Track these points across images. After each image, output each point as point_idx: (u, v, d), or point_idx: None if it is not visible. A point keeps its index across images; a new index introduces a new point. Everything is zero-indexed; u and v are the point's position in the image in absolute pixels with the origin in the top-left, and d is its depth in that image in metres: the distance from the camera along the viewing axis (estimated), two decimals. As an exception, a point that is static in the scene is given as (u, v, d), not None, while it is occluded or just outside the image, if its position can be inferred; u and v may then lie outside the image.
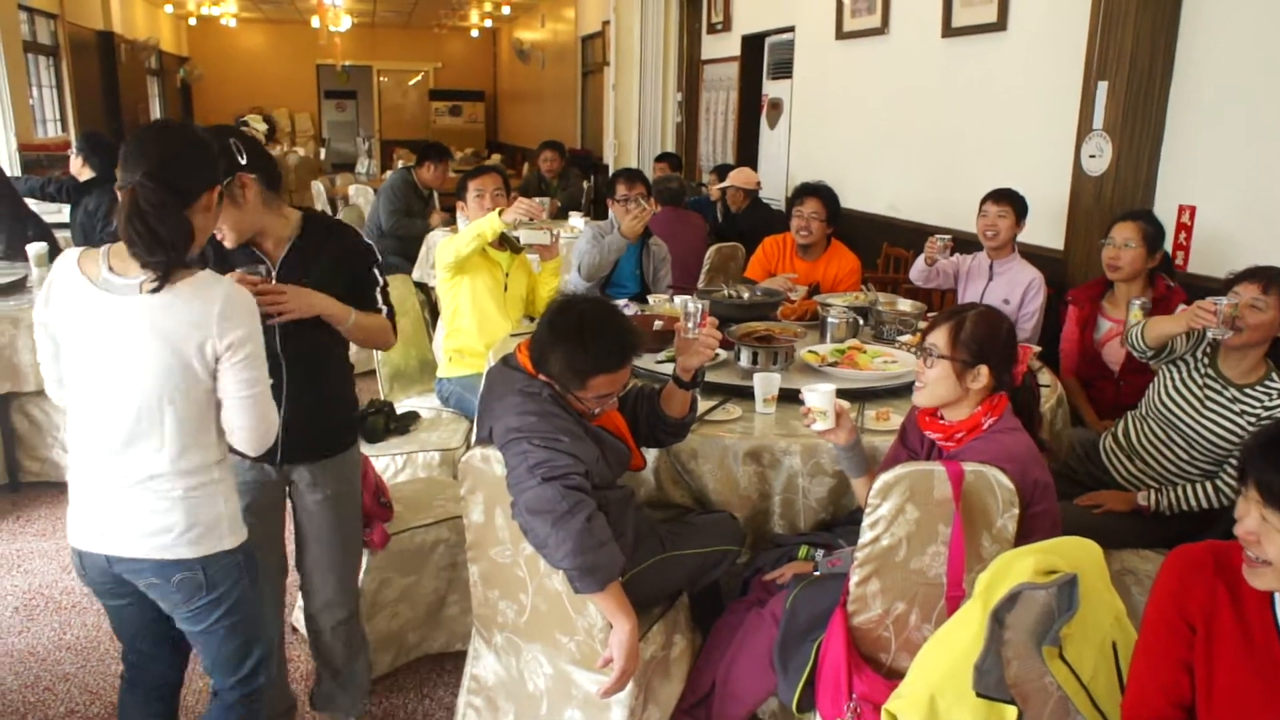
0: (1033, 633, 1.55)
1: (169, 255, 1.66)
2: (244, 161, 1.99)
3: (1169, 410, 2.73)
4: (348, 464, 2.29)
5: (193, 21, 16.71)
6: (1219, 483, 2.60)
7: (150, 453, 1.75)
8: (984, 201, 3.79)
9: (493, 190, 3.79)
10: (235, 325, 1.72)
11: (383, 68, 19.02)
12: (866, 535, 1.99)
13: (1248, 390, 2.60)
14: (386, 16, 17.06)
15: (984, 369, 2.07)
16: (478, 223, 3.42)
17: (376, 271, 2.22)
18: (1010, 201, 3.73)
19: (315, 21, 14.08)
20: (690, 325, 2.38)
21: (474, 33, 17.05)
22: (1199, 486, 2.62)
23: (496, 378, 2.18)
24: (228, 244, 2.06)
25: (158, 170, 1.67)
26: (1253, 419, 2.56)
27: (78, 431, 1.79)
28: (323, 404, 2.20)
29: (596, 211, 7.79)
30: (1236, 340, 2.53)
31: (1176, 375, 2.76)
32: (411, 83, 19.35)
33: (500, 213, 3.34)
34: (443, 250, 3.51)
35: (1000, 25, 4.47)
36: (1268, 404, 2.55)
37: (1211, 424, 2.63)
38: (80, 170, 4.47)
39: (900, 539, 1.98)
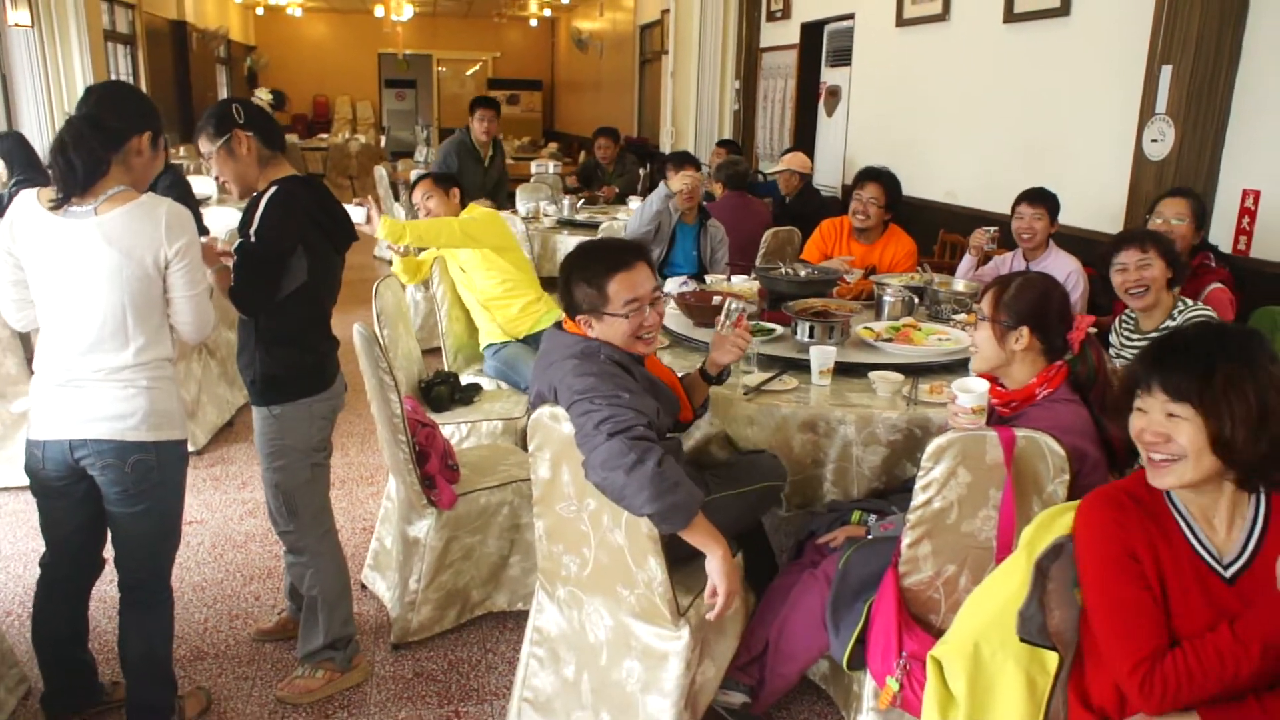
0: (1073, 583, 1.60)
1: (75, 182, 1.99)
2: (241, 122, 2.31)
3: None
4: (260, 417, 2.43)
5: (260, 11, 17.13)
6: None
7: (116, 349, 2.08)
8: (1018, 203, 3.76)
9: (422, 195, 4.00)
10: (179, 235, 2.07)
11: (442, 57, 19.28)
12: (919, 497, 2.05)
13: (1151, 336, 2.82)
14: (447, 6, 17.30)
15: (1025, 330, 2.14)
16: None
17: (250, 236, 2.27)
18: (1044, 202, 3.71)
19: (379, 11, 14.35)
20: (727, 323, 2.46)
21: (533, 22, 17.21)
22: None
23: (551, 343, 2.28)
24: (235, 195, 2.38)
25: (90, 112, 2.05)
26: None
27: (48, 339, 2.11)
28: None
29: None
30: (1139, 303, 2.85)
31: (1116, 346, 2.99)
32: (469, 72, 19.60)
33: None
34: None
35: (1063, 10, 4.47)
36: None
37: None
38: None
39: (952, 502, 2.04)
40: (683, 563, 2.23)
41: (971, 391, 2.12)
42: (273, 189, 2.28)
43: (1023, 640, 1.57)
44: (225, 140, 2.30)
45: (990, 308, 2.19)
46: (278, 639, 2.82)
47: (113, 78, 9.72)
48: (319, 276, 2.34)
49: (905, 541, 2.10)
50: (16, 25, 7.04)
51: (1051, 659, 1.58)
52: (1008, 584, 1.63)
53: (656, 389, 2.25)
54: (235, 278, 2.27)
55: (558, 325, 2.30)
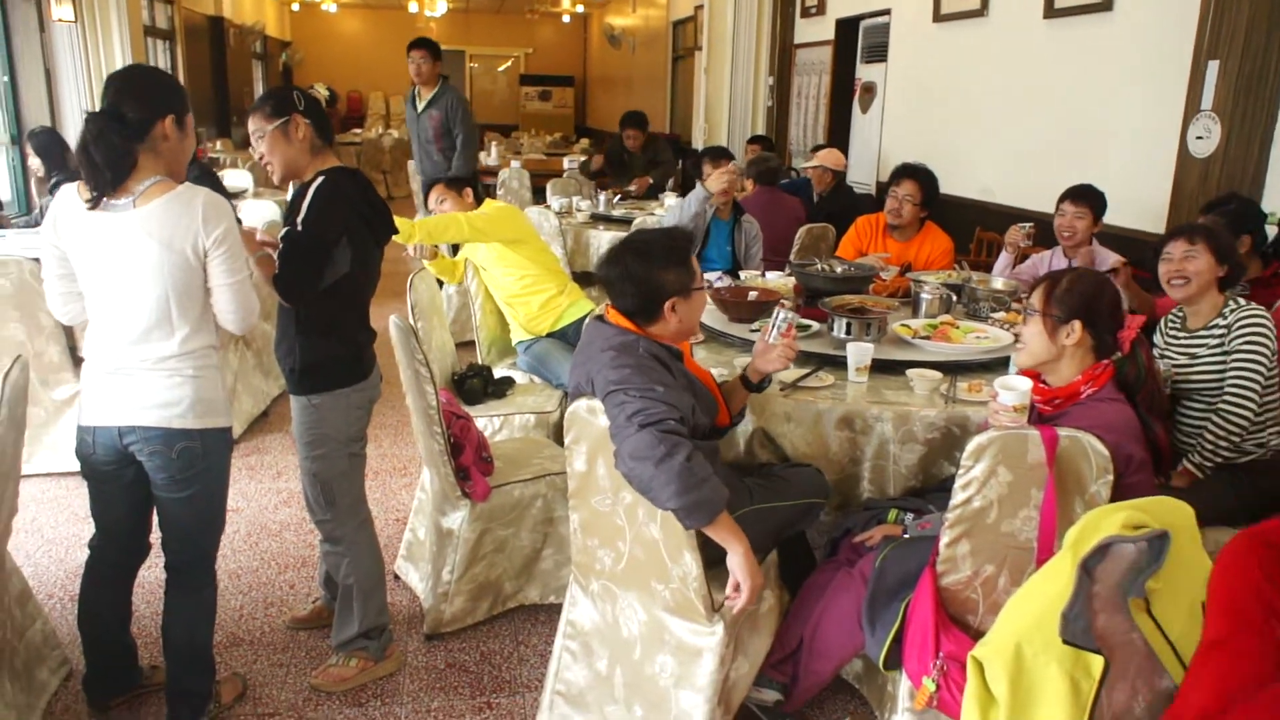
0: (1120, 585, 1.58)
1: (104, 178, 2.00)
2: (301, 107, 2.32)
3: (1174, 379, 2.87)
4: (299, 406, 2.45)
5: (295, 7, 17.26)
6: (1219, 417, 2.64)
7: (162, 339, 2.10)
8: (1062, 200, 3.71)
9: (436, 199, 4.00)
10: (217, 223, 2.07)
11: (475, 53, 19.34)
12: (958, 496, 2.03)
13: (1198, 334, 2.77)
14: (480, 2, 17.36)
15: (1077, 324, 2.11)
16: None
17: (292, 229, 2.27)
18: (1089, 201, 3.64)
19: (413, 7, 14.43)
20: (774, 332, 2.43)
21: (565, 18, 17.23)
22: (1208, 430, 2.66)
23: (592, 333, 2.28)
24: (275, 178, 2.38)
25: (109, 106, 2.03)
26: (1206, 358, 2.72)
27: (97, 330, 2.14)
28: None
29: (686, 193, 7.81)
30: (1178, 294, 2.78)
31: (1160, 345, 2.92)
32: (501, 68, 19.64)
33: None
34: None
35: (1106, 5, 4.40)
36: (1210, 344, 2.72)
37: (1182, 371, 2.77)
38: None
39: (992, 501, 2.02)
40: (718, 559, 2.22)
41: (1014, 389, 2.09)
42: (320, 179, 2.29)
43: (1066, 642, 1.55)
44: (283, 122, 2.30)
45: (1041, 301, 2.17)
46: (312, 627, 2.85)
47: (152, 72, 9.83)
48: (360, 268, 2.35)
49: (943, 541, 2.08)
50: (60, 20, 7.14)
51: (1096, 662, 1.56)
52: (1052, 585, 1.61)
53: (695, 387, 2.24)
54: (280, 265, 2.28)
55: (600, 317, 2.29)
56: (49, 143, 4.95)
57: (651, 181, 7.10)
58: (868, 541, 2.37)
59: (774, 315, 2.44)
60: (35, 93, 7.29)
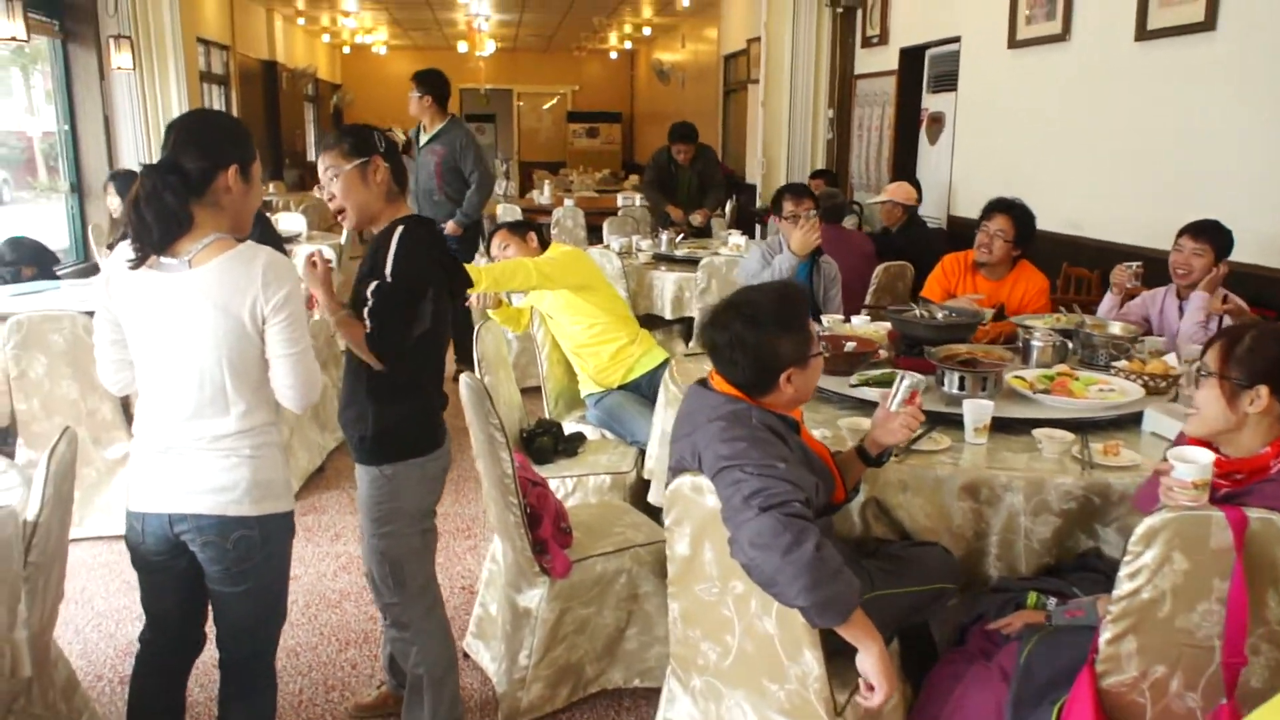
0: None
1: (150, 239, 1.81)
2: (382, 149, 2.18)
3: None
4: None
5: (346, 50, 17.50)
6: None
7: (217, 415, 1.88)
8: (1181, 234, 3.42)
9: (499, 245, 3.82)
10: (279, 287, 1.85)
11: (522, 90, 19.44)
12: (1124, 586, 1.75)
13: None
14: (529, 40, 17.44)
15: (1264, 390, 1.83)
16: None
17: (382, 281, 2.09)
18: (1210, 238, 3.34)
19: (461, 47, 14.51)
20: (897, 399, 2.14)
21: (613, 54, 17.24)
22: None
23: (695, 402, 2.05)
24: (348, 224, 2.19)
25: (168, 158, 1.86)
26: None
27: (147, 404, 1.94)
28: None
29: (743, 231, 7.59)
30: None
31: None
32: (547, 106, 19.71)
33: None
34: None
35: (1208, 25, 4.10)
36: None
37: None
38: None
39: (1164, 592, 1.74)
40: (836, 650, 1.95)
41: (1193, 462, 1.81)
42: (402, 227, 2.10)
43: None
44: (362, 163, 2.13)
45: (1218, 363, 1.88)
46: (378, 716, 2.62)
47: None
48: (439, 322, 2.15)
49: (1105, 636, 1.80)
50: (119, 69, 7.17)
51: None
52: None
53: (812, 462, 1.99)
54: (374, 321, 2.06)
55: (702, 382, 2.06)
56: (129, 186, 4.87)
57: (711, 214, 6.85)
58: (1005, 630, 2.09)
59: (896, 381, 2.15)
60: (95, 140, 7.31)
